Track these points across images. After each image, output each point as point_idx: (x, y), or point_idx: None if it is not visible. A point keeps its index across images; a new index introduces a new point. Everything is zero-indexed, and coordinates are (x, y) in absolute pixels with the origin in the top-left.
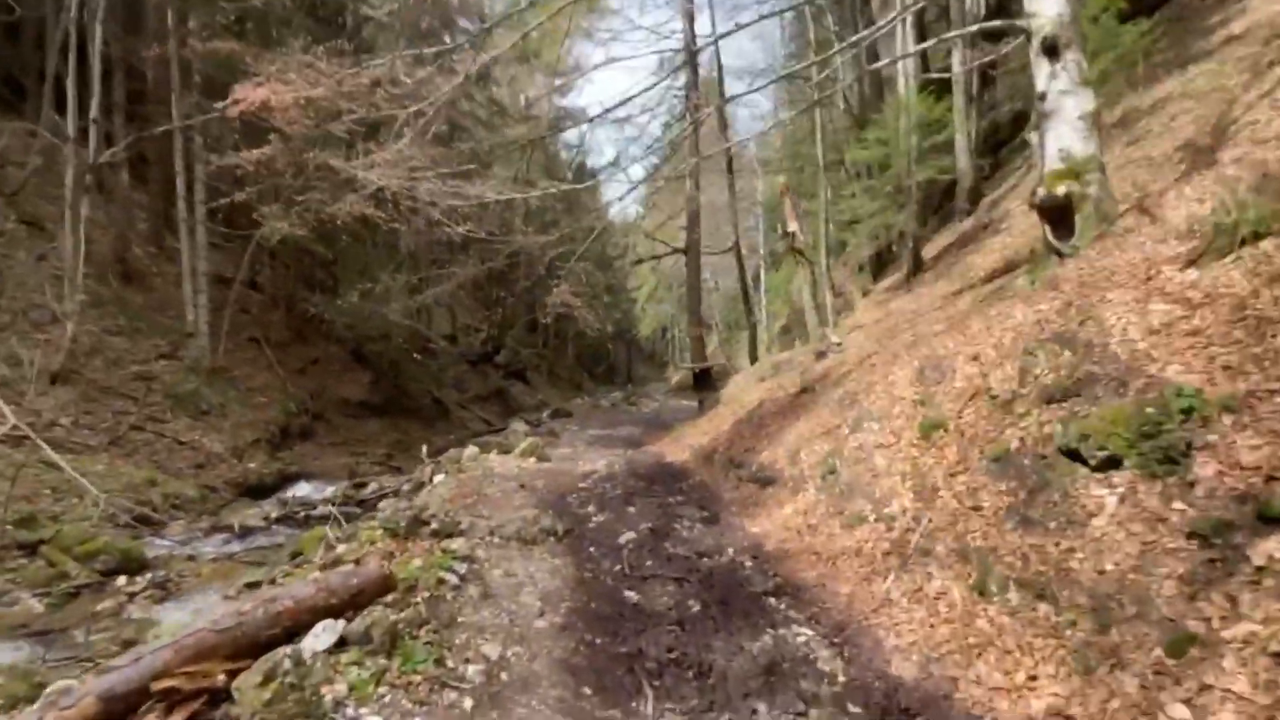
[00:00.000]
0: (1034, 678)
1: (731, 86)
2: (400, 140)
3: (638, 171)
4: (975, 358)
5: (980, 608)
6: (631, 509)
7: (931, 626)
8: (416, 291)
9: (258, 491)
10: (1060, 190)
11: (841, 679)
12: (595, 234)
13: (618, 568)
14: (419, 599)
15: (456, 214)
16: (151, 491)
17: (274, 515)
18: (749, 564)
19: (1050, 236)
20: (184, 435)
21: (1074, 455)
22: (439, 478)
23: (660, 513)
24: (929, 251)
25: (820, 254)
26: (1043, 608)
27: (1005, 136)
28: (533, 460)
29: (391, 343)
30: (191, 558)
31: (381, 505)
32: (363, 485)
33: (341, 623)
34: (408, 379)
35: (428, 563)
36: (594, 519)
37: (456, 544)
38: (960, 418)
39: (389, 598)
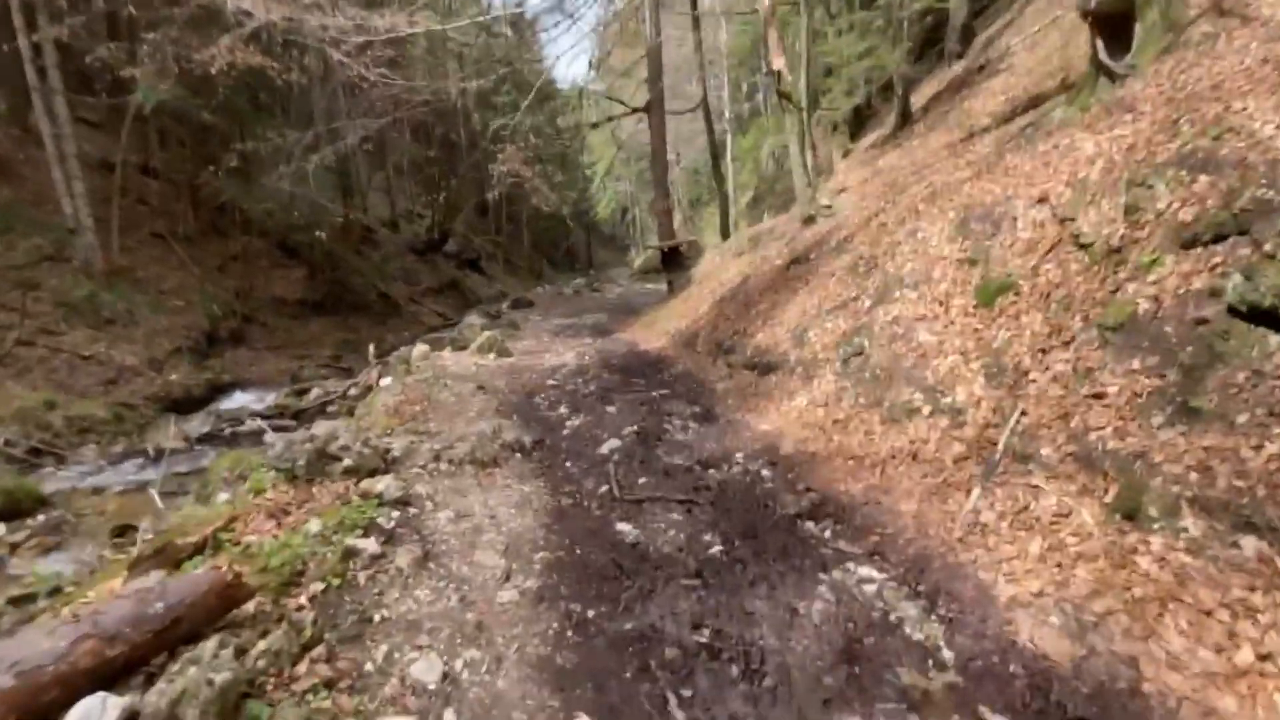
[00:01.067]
0: (1268, 656)
1: None
2: None
3: (588, 18)
4: (1042, 199)
5: (1137, 539)
6: (610, 408)
7: (1060, 566)
8: (313, 150)
9: (186, 406)
10: None
11: (951, 660)
12: (537, 87)
13: (604, 489)
14: (304, 599)
15: (366, 57)
16: (52, 415)
17: (196, 434)
18: (768, 474)
19: (1102, 53)
20: (86, 348)
21: (1262, 316)
22: (385, 381)
23: (645, 411)
24: (915, 102)
25: (803, 102)
26: (1251, 543)
27: None
28: (492, 356)
29: (319, 230)
30: (98, 490)
31: (318, 418)
32: (304, 392)
33: (126, 699)
34: (349, 272)
35: (333, 523)
36: (568, 424)
37: (383, 484)
38: (1037, 276)
39: (249, 607)
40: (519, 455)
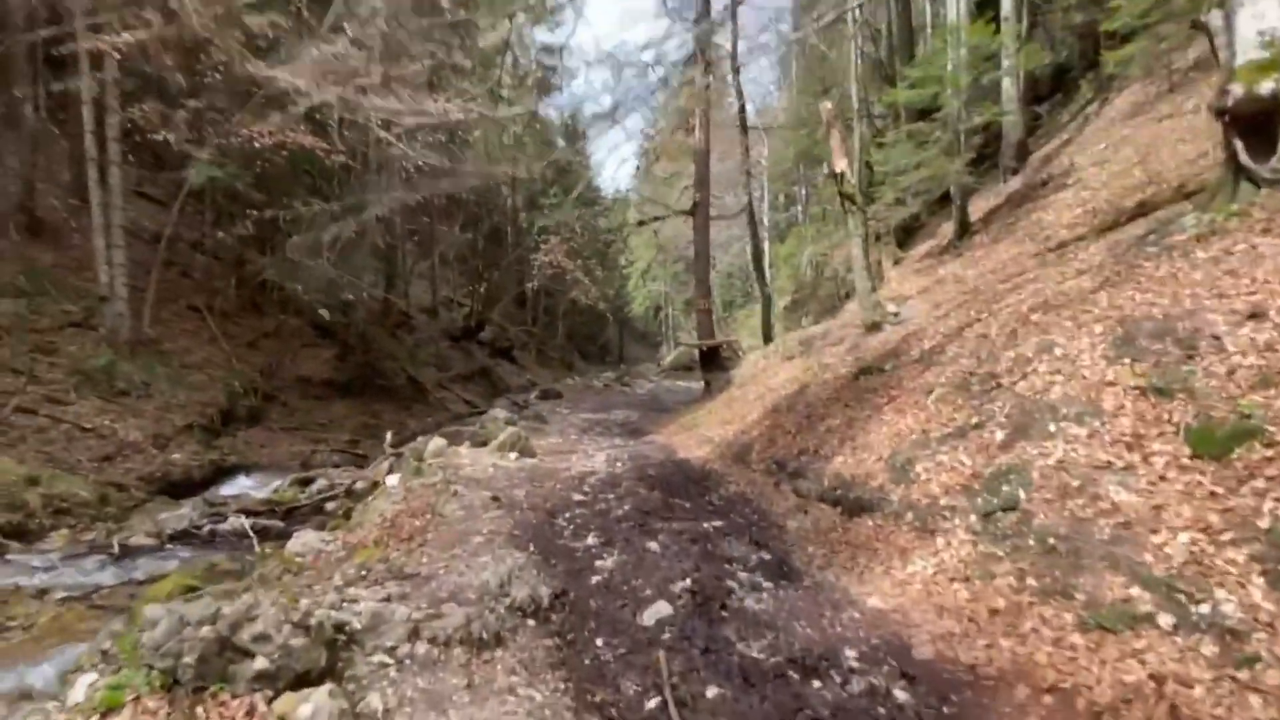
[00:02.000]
0: None
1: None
2: (336, 37)
3: (635, 123)
4: (1255, 315)
5: None
6: (652, 544)
7: None
8: (337, 219)
9: (183, 488)
10: (1265, 88)
11: None
12: (586, 181)
13: (653, 703)
14: None
15: (418, 141)
16: (30, 493)
17: (172, 529)
18: (904, 699)
19: (1243, 156)
20: (89, 420)
21: None
22: (391, 481)
23: (698, 554)
24: (971, 214)
25: (865, 205)
26: None
27: (1045, 91)
28: (513, 456)
29: (358, 313)
30: (43, 592)
31: (326, 506)
32: (308, 482)
33: None
34: (380, 355)
35: None
36: (599, 564)
37: (313, 705)
38: None
39: None
40: (531, 623)
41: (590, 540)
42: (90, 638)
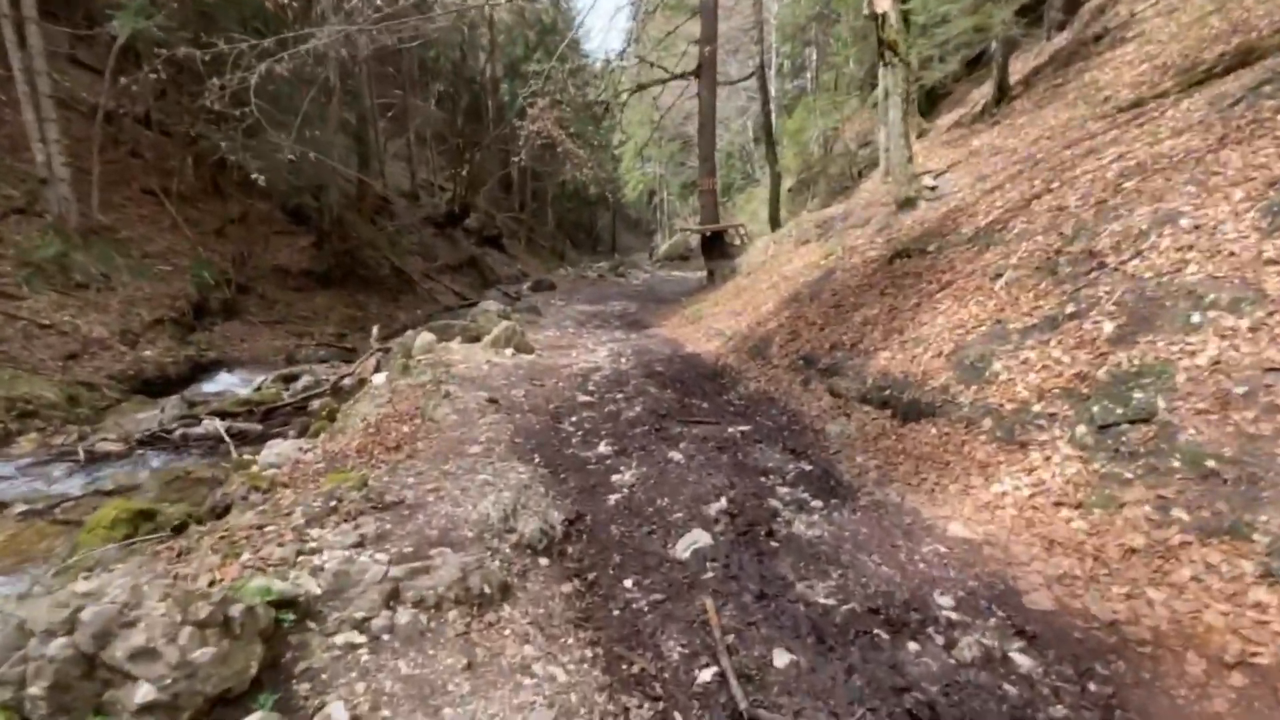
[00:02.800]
0: None
1: None
2: None
3: None
4: None
5: None
6: (674, 453)
7: None
8: (269, 56)
9: (160, 387)
10: None
11: None
12: (569, 39)
13: (706, 674)
14: None
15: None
16: None
17: (142, 432)
18: (1028, 668)
19: None
20: (47, 316)
21: None
22: (377, 378)
23: (729, 465)
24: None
25: (910, 55)
26: None
27: None
28: (509, 352)
29: (330, 196)
30: (3, 505)
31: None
32: (293, 379)
33: None
34: (360, 243)
35: None
36: (615, 481)
37: None
38: None
39: None
40: (544, 562)
41: (603, 449)
42: (49, 558)
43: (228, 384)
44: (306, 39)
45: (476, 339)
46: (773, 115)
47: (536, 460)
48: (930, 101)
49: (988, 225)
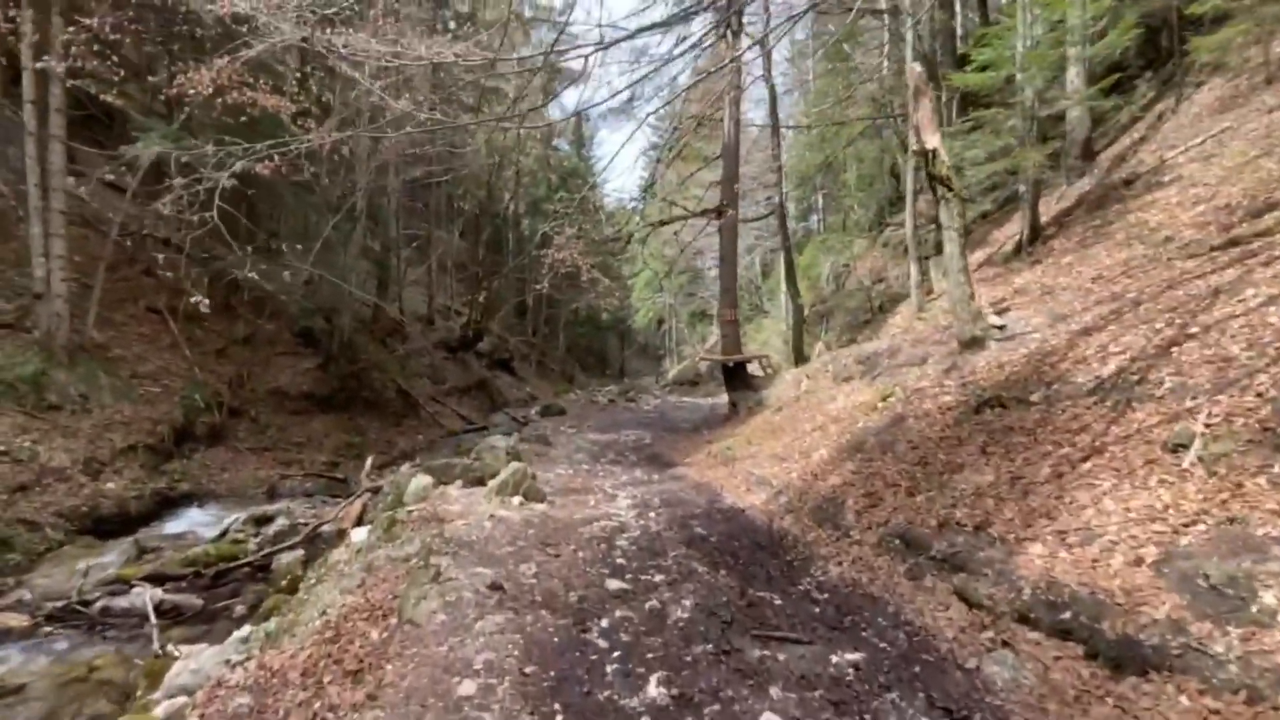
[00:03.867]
0: None
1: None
2: None
3: (648, 114)
4: None
5: None
6: (768, 713)
7: None
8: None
9: (116, 525)
10: None
11: None
12: (591, 184)
13: None
14: None
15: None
16: None
17: (48, 608)
18: None
19: None
20: (3, 441)
21: None
22: (357, 536)
23: None
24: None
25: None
26: None
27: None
28: (517, 501)
29: (343, 319)
30: None
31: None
32: (266, 520)
33: None
34: (368, 366)
35: None
36: None
37: None
38: None
39: None
40: None
41: (654, 692)
42: None
43: (194, 523)
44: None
45: (480, 482)
46: (793, 249)
47: (555, 708)
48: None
49: (1113, 376)
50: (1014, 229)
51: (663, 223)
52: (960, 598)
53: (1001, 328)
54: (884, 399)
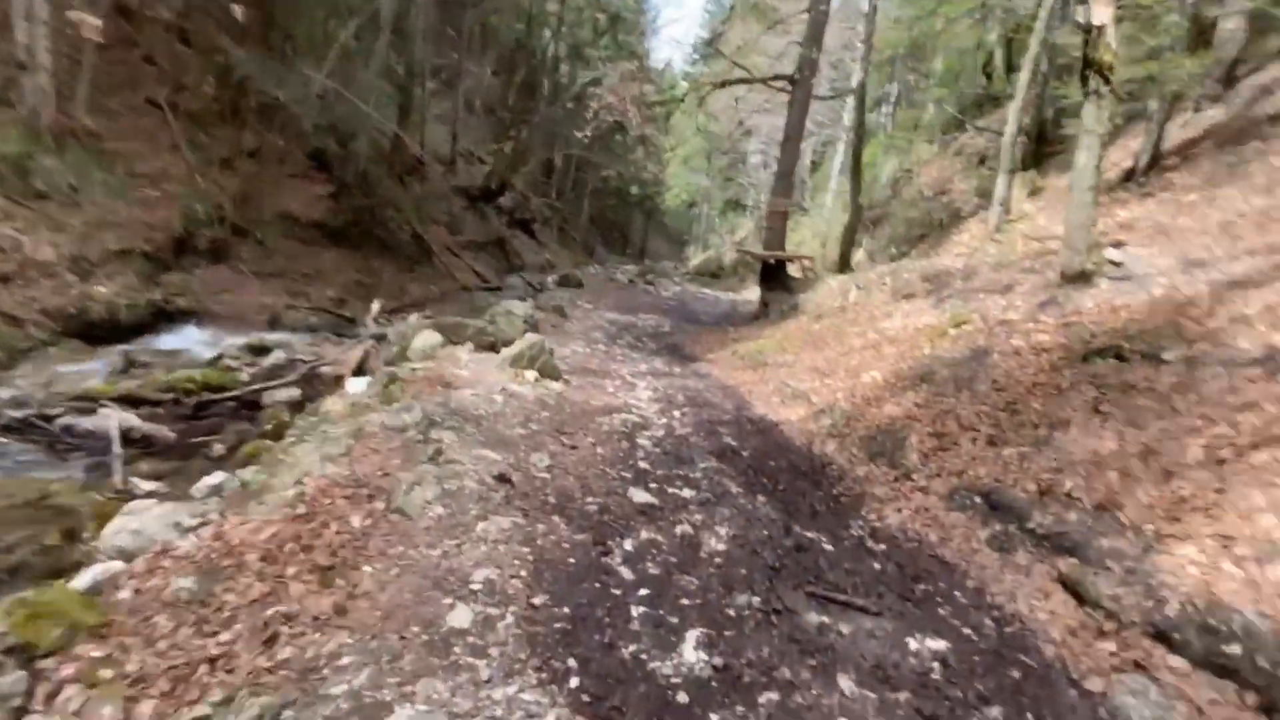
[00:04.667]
0: None
1: None
2: None
3: None
4: None
5: None
6: (835, 696)
7: None
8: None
9: (105, 332)
10: None
11: None
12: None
13: None
14: None
15: None
16: None
17: (5, 417)
18: None
19: None
20: None
21: None
22: (355, 385)
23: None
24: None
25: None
26: None
27: None
28: (532, 376)
29: (360, 145)
30: None
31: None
32: (264, 350)
33: None
34: (383, 202)
35: None
36: None
37: None
38: None
39: None
40: None
41: (690, 655)
42: None
43: (191, 340)
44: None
45: (493, 349)
46: (863, 140)
47: (571, 683)
48: (1035, 159)
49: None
50: (1122, 154)
51: (727, 83)
52: (1068, 589)
53: (1118, 264)
54: (957, 325)
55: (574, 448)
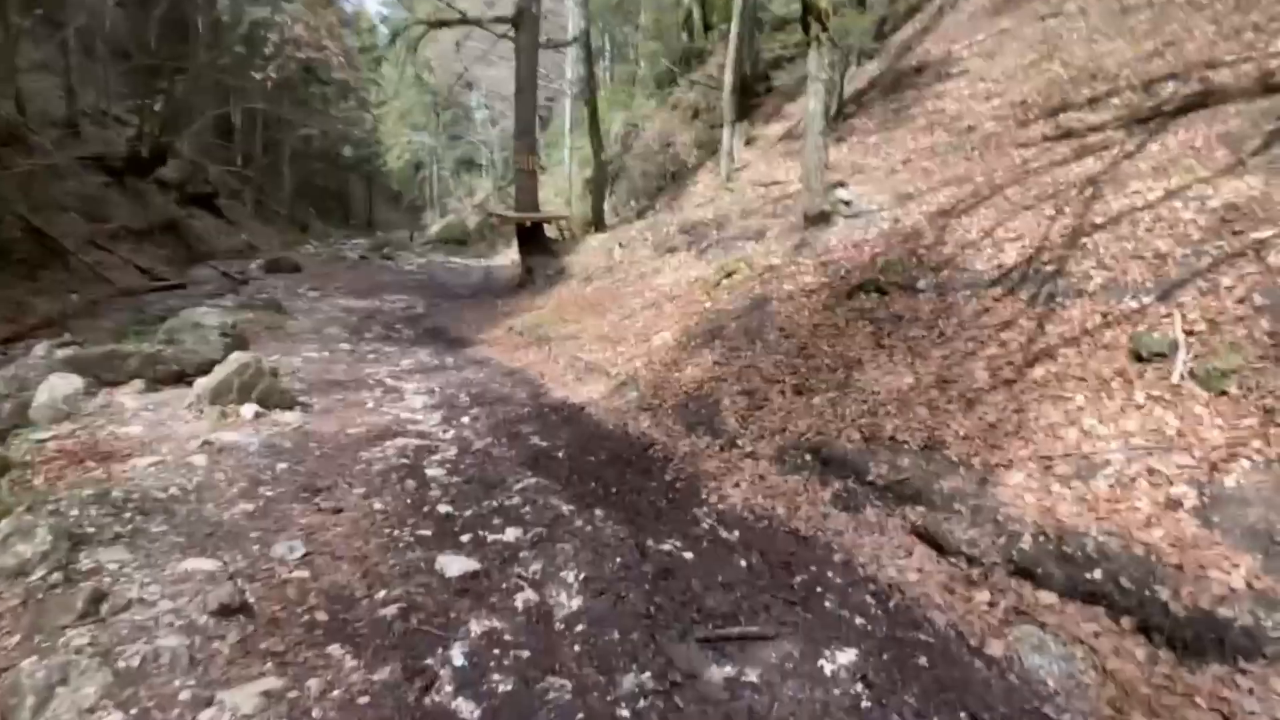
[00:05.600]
0: None
1: None
2: None
3: None
4: None
5: None
6: None
7: None
8: None
9: None
10: None
11: None
12: None
13: None
14: None
15: None
16: None
17: None
18: None
19: None
20: None
21: None
22: None
23: None
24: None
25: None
26: None
27: None
28: (250, 412)
29: None
30: None
31: None
32: None
33: None
34: None
35: None
36: None
37: None
38: None
39: None
40: None
41: None
42: None
43: None
44: None
45: (180, 379)
46: (597, 92)
47: None
48: (742, 111)
49: (1020, 265)
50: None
51: (440, 23)
52: (926, 541)
53: (848, 203)
54: (727, 276)
55: (337, 510)
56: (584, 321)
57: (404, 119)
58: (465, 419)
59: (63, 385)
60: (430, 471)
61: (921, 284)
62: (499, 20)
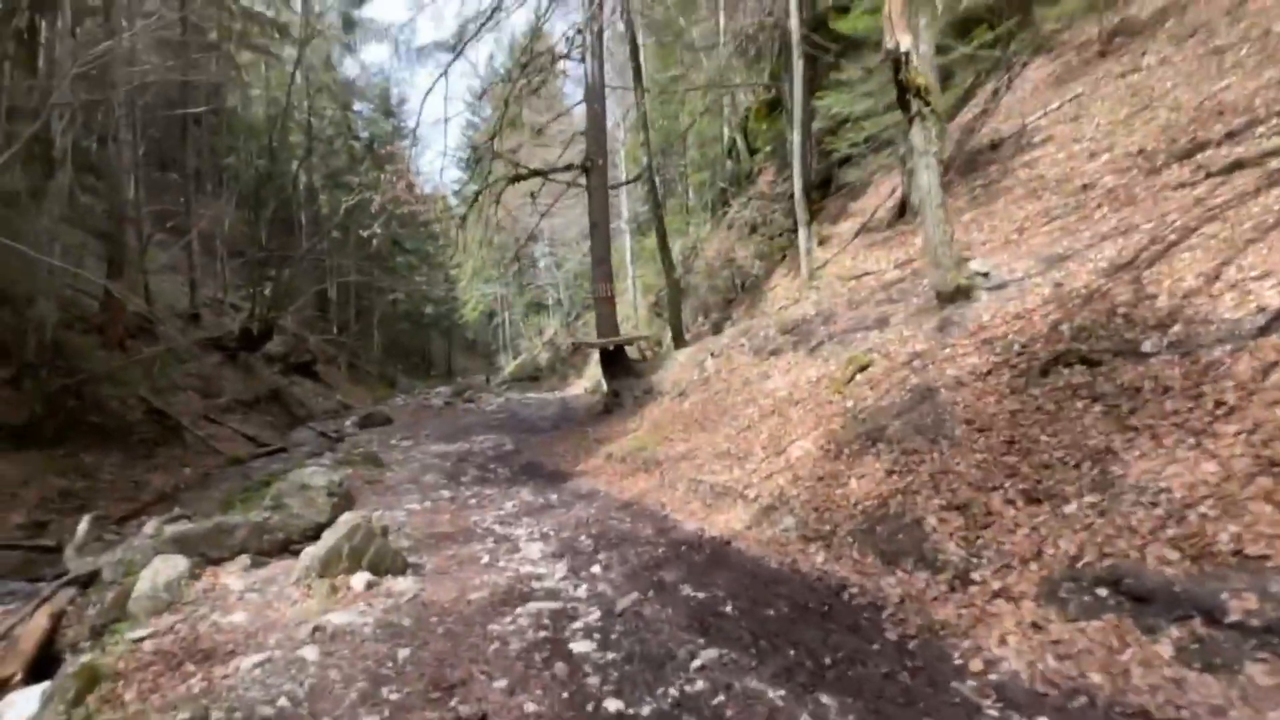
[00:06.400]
0: None
1: None
2: None
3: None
4: None
5: None
6: None
7: None
8: None
9: None
10: None
11: None
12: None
13: None
14: None
15: None
16: None
17: None
18: None
19: None
20: None
21: None
22: (23, 708)
23: None
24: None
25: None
26: None
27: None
28: (362, 583)
29: (40, 311)
30: None
31: None
32: None
33: None
34: (93, 379)
35: None
36: None
37: None
38: None
39: None
40: None
41: None
42: None
43: None
44: None
45: (286, 547)
46: (664, 218)
47: None
48: (808, 214)
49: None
50: (873, 200)
51: (518, 178)
52: None
53: (986, 274)
54: (861, 370)
55: (482, 718)
56: (693, 439)
57: (477, 274)
58: (595, 568)
59: (165, 570)
60: (577, 647)
61: (1147, 346)
62: (568, 168)
